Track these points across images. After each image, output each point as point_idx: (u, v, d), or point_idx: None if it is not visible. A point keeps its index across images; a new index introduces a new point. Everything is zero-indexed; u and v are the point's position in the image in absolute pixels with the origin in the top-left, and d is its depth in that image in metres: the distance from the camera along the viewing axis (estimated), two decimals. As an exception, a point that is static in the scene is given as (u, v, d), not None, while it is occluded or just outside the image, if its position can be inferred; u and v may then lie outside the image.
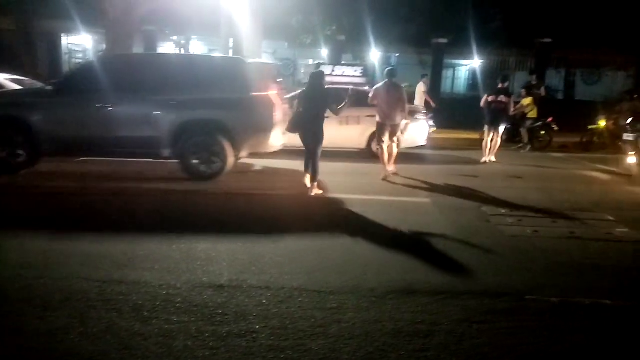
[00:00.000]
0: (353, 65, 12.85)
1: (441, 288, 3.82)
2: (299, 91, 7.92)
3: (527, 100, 11.96)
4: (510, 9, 15.75)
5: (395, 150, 8.29)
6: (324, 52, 18.45)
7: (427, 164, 10.03)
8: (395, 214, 6.01)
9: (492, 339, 3.13)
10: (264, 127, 7.38)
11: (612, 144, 11.46)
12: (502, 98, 9.91)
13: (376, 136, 8.38)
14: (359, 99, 8.91)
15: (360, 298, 3.62)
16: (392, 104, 7.83)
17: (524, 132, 11.81)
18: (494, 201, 6.66)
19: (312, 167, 6.70)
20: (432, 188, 7.46)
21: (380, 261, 4.40)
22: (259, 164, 8.96)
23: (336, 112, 6.82)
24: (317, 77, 6.84)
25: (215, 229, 5.14)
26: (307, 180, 6.78)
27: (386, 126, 7.92)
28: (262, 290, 3.68)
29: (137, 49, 17.06)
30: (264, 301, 3.52)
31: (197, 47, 18.41)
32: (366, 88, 10.21)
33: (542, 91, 14.60)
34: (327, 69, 12.28)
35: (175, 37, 18.33)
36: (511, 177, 8.69)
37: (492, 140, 10.06)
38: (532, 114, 11.87)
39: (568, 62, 16.88)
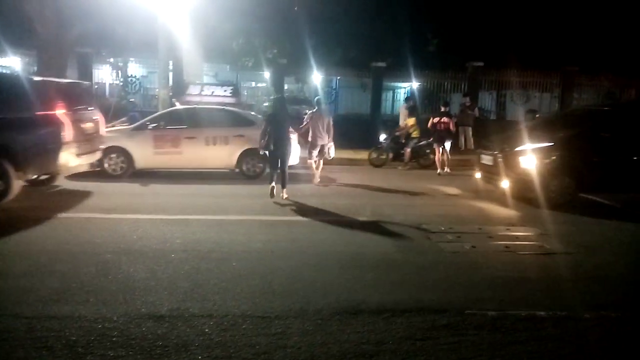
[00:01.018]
0: (223, 85, 12.69)
1: (386, 306, 3.87)
2: (266, 114, 9.26)
3: (410, 121, 12.19)
4: (444, 34, 16.53)
5: (321, 165, 9.61)
6: (267, 75, 18.54)
7: (366, 182, 10.19)
8: (337, 233, 6.05)
9: (435, 356, 3.19)
10: (51, 148, 7.19)
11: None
12: (445, 119, 11.36)
13: (308, 152, 9.51)
14: (227, 119, 9.81)
15: (306, 321, 3.59)
16: (322, 127, 9.33)
17: (408, 151, 12.01)
18: (433, 218, 6.85)
19: (282, 177, 7.91)
20: (373, 206, 7.58)
21: (325, 282, 4.40)
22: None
23: (298, 130, 8.55)
24: (281, 101, 8.40)
25: (155, 257, 4.96)
26: (273, 190, 7.85)
27: (317, 145, 9.33)
28: (204, 319, 3.58)
29: (71, 71, 16.44)
30: (207, 330, 3.42)
31: (135, 69, 17.97)
32: (230, 108, 10.46)
33: (476, 112, 15.34)
34: (195, 89, 12.27)
35: (111, 59, 17.82)
36: (451, 196, 8.98)
37: (442, 155, 11.26)
38: (415, 133, 12.21)
39: (498, 84, 17.82)
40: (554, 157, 7.82)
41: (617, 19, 16.16)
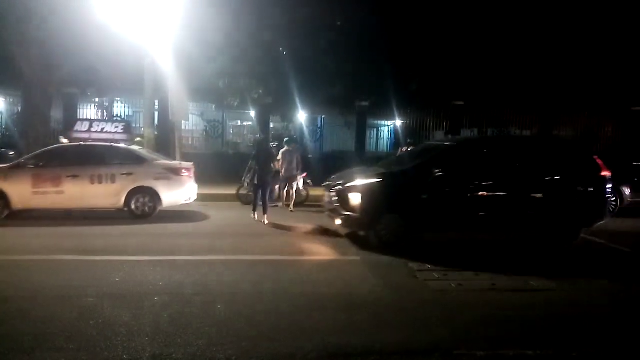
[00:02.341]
0: (114, 122, 12.05)
1: (374, 348, 3.81)
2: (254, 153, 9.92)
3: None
4: (426, 74, 16.94)
5: (294, 194, 11.11)
6: (252, 114, 18.72)
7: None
8: (325, 273, 6.01)
9: (425, 399, 3.14)
10: None
11: None
12: None
13: (281, 185, 11.23)
14: (115, 156, 9.60)
15: (293, 365, 3.52)
16: (292, 162, 11.08)
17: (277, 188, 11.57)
18: (419, 257, 6.84)
19: (264, 206, 9.24)
20: (359, 245, 7.57)
21: (312, 323, 4.33)
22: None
23: (276, 166, 10.27)
24: (264, 141, 10.52)
25: (136, 298, 4.86)
26: (256, 215, 9.26)
27: (287, 178, 11.07)
28: (188, 365, 3.49)
29: (57, 110, 16.44)
30: (191, 376, 3.33)
31: (121, 109, 18.04)
32: (119, 145, 10.11)
33: None
34: (83, 125, 11.79)
35: (97, 99, 17.88)
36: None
37: None
38: None
39: (479, 122, 18.24)
40: (381, 193, 7.36)
41: (595, 60, 16.79)
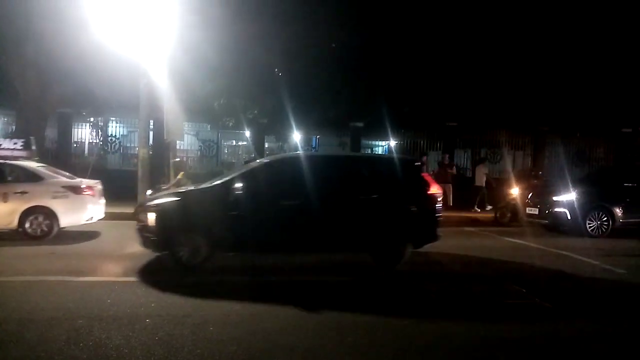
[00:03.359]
0: (12, 138, 11.19)
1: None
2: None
3: None
4: (420, 96, 17.16)
5: None
6: (247, 134, 18.81)
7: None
8: (313, 293, 5.97)
9: None
10: None
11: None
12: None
13: None
14: (8, 174, 9.07)
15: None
16: None
17: None
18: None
19: None
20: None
21: (304, 347, 4.30)
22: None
23: None
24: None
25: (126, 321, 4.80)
26: None
27: None
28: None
29: (51, 130, 16.45)
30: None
31: (116, 129, 18.07)
32: (14, 162, 9.49)
33: (454, 170, 15.75)
34: None
35: (92, 119, 17.93)
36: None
37: None
38: None
39: (473, 143, 18.41)
40: (179, 213, 7.00)
41: (587, 82, 17.09)
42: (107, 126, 17.91)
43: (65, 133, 16.60)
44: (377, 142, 22.19)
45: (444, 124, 17.82)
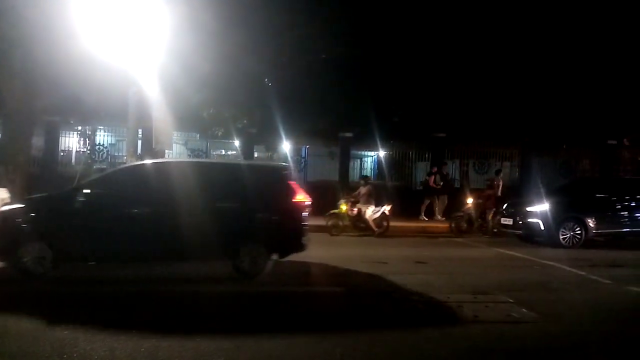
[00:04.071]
0: None
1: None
2: None
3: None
4: (409, 107, 17.33)
5: None
6: (237, 143, 18.78)
7: (339, 249, 10.18)
8: (307, 306, 5.94)
9: None
10: None
11: (353, 226, 12.48)
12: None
13: None
14: None
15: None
16: None
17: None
18: (403, 287, 6.83)
19: None
20: (344, 275, 7.52)
21: (294, 358, 4.26)
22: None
23: None
24: None
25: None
26: None
27: None
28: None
29: (38, 138, 16.28)
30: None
31: (104, 137, 17.94)
32: None
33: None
34: None
35: (80, 127, 17.79)
36: (417, 263, 9.02)
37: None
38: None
39: (461, 154, 18.55)
40: (21, 220, 6.76)
41: (574, 95, 17.37)
42: (95, 135, 17.78)
43: (52, 141, 16.44)
44: (366, 153, 22.28)
45: (432, 135, 17.95)
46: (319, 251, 8.39)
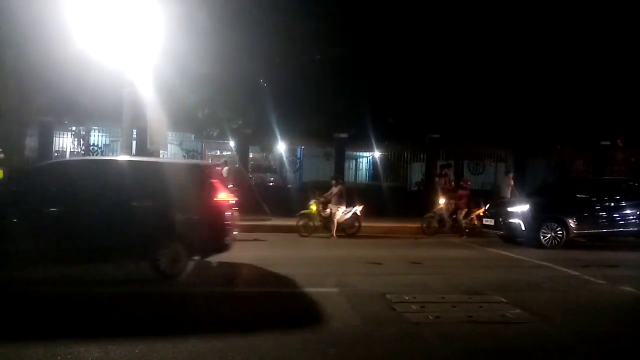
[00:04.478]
0: None
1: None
2: None
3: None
4: (403, 107, 17.36)
5: None
6: (232, 144, 18.77)
7: (332, 250, 10.19)
8: (301, 305, 5.94)
9: None
10: None
11: (324, 227, 12.27)
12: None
13: None
14: None
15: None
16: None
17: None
18: (397, 287, 6.84)
19: None
20: (338, 276, 7.53)
21: (286, 358, 4.26)
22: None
23: None
24: None
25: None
26: None
27: None
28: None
29: (32, 139, 16.21)
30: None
31: (98, 138, 17.87)
32: None
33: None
34: None
35: (74, 128, 17.72)
36: (413, 263, 9.04)
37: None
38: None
39: (456, 155, 18.60)
40: None
41: (567, 96, 17.44)
42: (89, 135, 17.71)
43: (46, 142, 16.37)
44: (361, 153, 22.31)
45: (427, 136, 18.00)
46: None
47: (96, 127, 17.68)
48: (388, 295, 6.37)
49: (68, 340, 4.45)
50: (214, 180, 7.40)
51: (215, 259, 7.83)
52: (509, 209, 11.92)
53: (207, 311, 5.74)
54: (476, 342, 4.86)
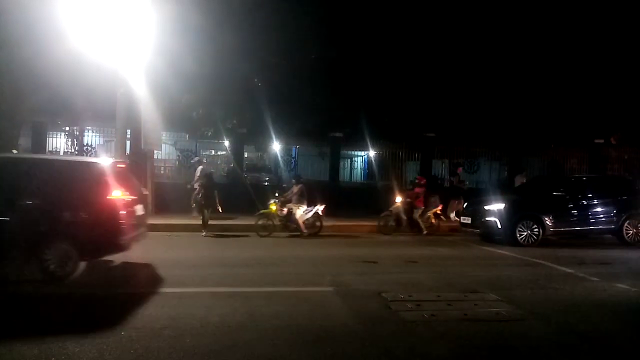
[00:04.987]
0: None
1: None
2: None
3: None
4: (399, 107, 17.40)
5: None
6: (226, 144, 18.74)
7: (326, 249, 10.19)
8: (297, 305, 5.94)
9: None
10: None
11: (284, 226, 11.98)
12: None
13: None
14: None
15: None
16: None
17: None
18: (393, 286, 6.84)
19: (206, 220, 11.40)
20: (333, 275, 7.53)
21: (283, 359, 4.26)
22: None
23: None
24: (210, 175, 12.31)
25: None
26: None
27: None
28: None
29: (24, 139, 16.11)
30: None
31: (92, 138, 17.79)
32: None
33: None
34: None
35: (67, 128, 17.62)
36: (408, 262, 9.05)
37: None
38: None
39: (450, 154, 18.65)
40: None
41: (561, 95, 17.54)
42: (83, 135, 17.62)
43: (39, 142, 16.26)
44: (356, 153, 22.33)
45: (422, 135, 18.04)
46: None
47: (90, 127, 17.59)
48: (384, 294, 6.37)
49: None
50: (107, 178, 6.99)
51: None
52: (486, 207, 11.84)
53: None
54: (472, 340, 4.87)
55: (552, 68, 17.17)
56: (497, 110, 17.68)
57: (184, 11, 12.37)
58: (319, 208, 12.19)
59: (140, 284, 7.01)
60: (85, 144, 17.49)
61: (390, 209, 13.10)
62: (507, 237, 11.29)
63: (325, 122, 17.11)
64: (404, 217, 12.96)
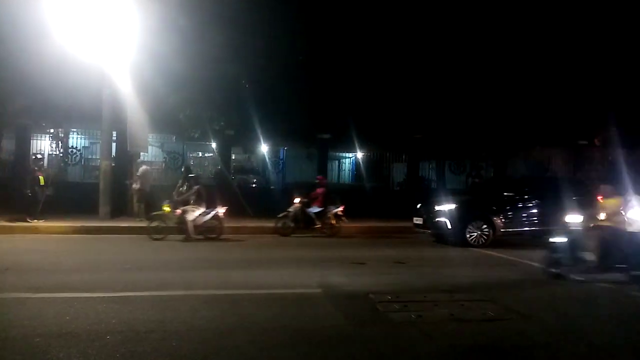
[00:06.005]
0: None
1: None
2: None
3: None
4: (386, 108, 17.44)
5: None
6: (214, 145, 18.65)
7: (312, 250, 10.18)
8: (285, 307, 5.92)
9: None
10: None
11: (179, 228, 11.14)
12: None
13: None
14: None
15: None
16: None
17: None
18: (380, 287, 6.86)
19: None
20: (322, 276, 7.53)
21: (271, 360, 4.25)
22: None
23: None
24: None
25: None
26: None
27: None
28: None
29: (8, 142, 15.91)
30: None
31: (77, 140, 17.58)
32: None
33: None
34: None
35: (52, 130, 17.40)
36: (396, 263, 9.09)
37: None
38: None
39: (438, 155, 18.78)
40: None
41: (546, 97, 17.72)
42: (68, 137, 17.43)
43: (23, 145, 16.06)
44: (344, 154, 22.37)
45: (409, 136, 18.13)
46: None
47: (75, 129, 17.41)
48: (371, 295, 6.39)
49: None
50: None
51: None
52: (437, 208, 11.77)
53: None
54: (459, 340, 4.89)
55: (537, 70, 17.34)
56: (483, 112, 17.81)
57: (170, 11, 12.31)
58: (220, 210, 11.44)
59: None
60: (70, 146, 17.31)
61: (288, 209, 12.60)
62: (456, 238, 11.19)
63: (313, 124, 17.11)
64: (302, 217, 12.55)
